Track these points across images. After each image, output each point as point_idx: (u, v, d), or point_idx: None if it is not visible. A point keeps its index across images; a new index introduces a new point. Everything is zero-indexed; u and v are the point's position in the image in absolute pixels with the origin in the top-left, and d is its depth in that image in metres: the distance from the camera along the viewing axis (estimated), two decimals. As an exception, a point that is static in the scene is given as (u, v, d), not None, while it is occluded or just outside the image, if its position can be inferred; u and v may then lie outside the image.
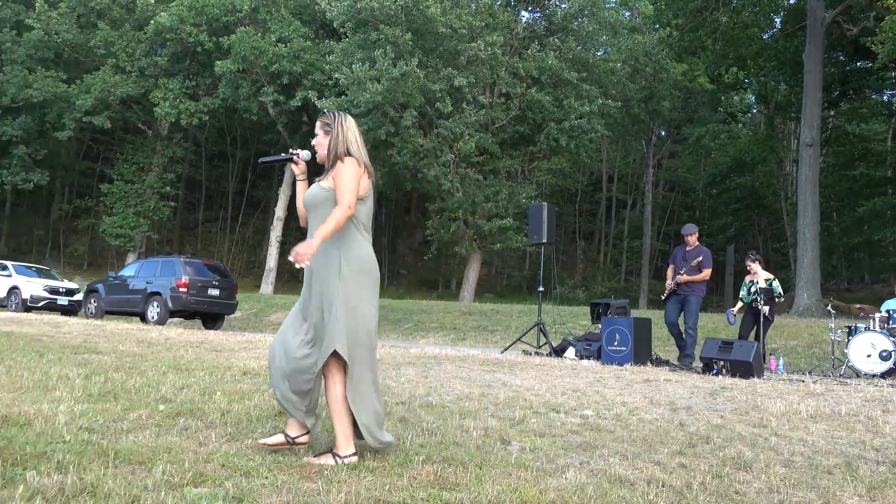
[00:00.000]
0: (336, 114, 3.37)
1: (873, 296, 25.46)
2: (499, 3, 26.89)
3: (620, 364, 8.65)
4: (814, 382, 7.33)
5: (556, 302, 21.00)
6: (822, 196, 23.28)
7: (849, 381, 8.05)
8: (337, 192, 3.20)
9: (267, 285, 29.07)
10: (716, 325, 14.43)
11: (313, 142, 3.39)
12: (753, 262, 9.98)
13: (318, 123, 3.39)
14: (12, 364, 5.71)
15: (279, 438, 3.20)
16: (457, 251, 26.18)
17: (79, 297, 18.25)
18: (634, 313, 10.98)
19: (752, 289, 9.70)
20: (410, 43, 21.78)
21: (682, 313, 9.55)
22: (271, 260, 29.41)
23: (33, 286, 17.99)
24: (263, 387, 5.13)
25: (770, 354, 10.02)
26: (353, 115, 23.34)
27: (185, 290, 15.22)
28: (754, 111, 37.85)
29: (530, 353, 10.17)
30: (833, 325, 9.80)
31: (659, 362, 9.22)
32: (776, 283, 9.81)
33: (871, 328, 9.20)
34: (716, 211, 35.98)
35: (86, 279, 25.79)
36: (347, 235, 3.23)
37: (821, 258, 20.84)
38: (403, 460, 3.16)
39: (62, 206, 39.68)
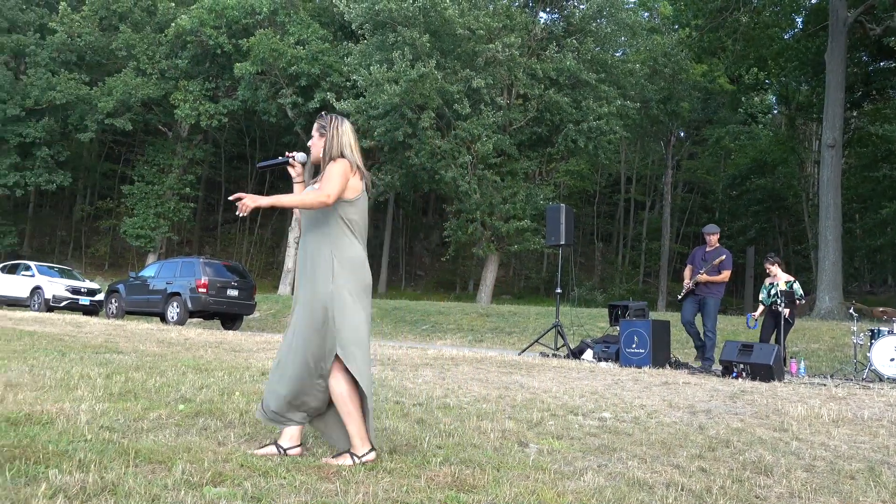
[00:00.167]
0: (333, 117, 3.39)
1: (896, 299, 25.11)
2: (516, 4, 26.87)
3: (639, 366, 8.60)
4: (836, 386, 7.24)
5: (574, 304, 20.90)
6: (845, 198, 22.99)
7: (871, 385, 7.95)
8: (321, 182, 3.23)
9: (285, 286, 29.22)
10: (735, 328, 14.30)
11: (309, 143, 3.43)
12: (773, 264, 9.85)
13: (314, 125, 3.43)
14: (35, 363, 5.78)
15: (271, 450, 3.19)
16: (474, 253, 26.18)
17: (100, 297, 18.45)
18: (653, 315, 10.91)
19: (773, 291, 9.59)
20: (428, 45, 21.81)
21: (700, 315, 9.46)
22: (290, 261, 29.56)
23: (56, 286, 18.21)
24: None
25: (791, 358, 9.91)
26: (372, 117, 23.56)
27: (204, 290, 15.33)
28: (775, 112, 37.49)
29: (548, 355, 10.14)
30: (855, 329, 9.67)
31: (677, 365, 9.15)
32: (797, 286, 9.69)
33: (894, 332, 9.07)
34: (736, 213, 35.66)
35: (107, 279, 26.08)
36: (340, 237, 3.24)
37: (843, 260, 20.59)
38: (421, 461, 3.16)
39: (84, 206, 40.17)
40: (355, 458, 3.10)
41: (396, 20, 22.19)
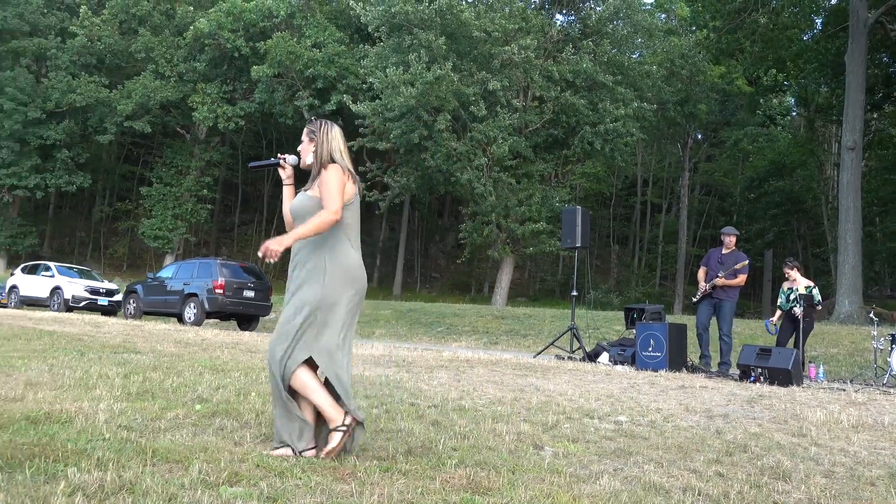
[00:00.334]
0: (322, 122, 3.43)
1: (918, 303, 24.79)
2: (532, 6, 26.85)
3: (655, 370, 8.55)
4: (855, 391, 7.16)
5: (590, 307, 20.84)
6: (865, 200, 22.76)
7: (892, 390, 7.85)
8: (322, 197, 3.24)
9: (301, 287, 29.30)
10: (753, 332, 14.18)
11: (299, 148, 3.45)
12: (792, 268, 9.72)
13: (304, 130, 3.46)
14: (54, 362, 5.85)
15: (287, 451, 3.20)
16: (489, 255, 26.16)
17: (118, 297, 18.62)
18: (669, 319, 10.84)
19: (792, 296, 9.46)
20: (444, 47, 21.84)
21: (716, 319, 9.37)
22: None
23: (75, 286, 18.40)
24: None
25: (809, 362, 9.80)
26: (388, 119, 23.63)
27: (221, 291, 15.43)
28: (794, 114, 37.18)
29: (563, 358, 10.10)
30: (875, 333, 9.55)
31: (694, 369, 9.08)
32: (816, 291, 9.57)
33: (916, 336, 8.96)
34: (753, 215, 35.34)
35: (125, 280, 26.32)
36: (335, 242, 3.26)
37: (863, 264, 20.37)
38: (436, 463, 3.16)
39: (103, 208, 40.61)
40: (339, 429, 3.13)
41: (412, 23, 22.24)
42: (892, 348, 8.99)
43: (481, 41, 22.78)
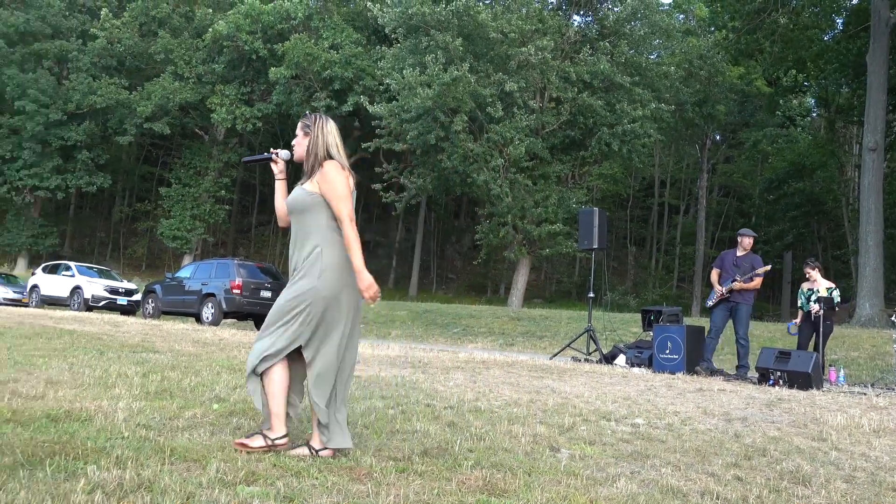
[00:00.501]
0: (317, 116, 3.38)
1: (941, 306, 24.42)
2: (549, 7, 26.78)
3: (672, 372, 8.49)
4: (877, 395, 7.07)
5: (607, 308, 20.71)
6: (886, 202, 22.48)
7: (914, 394, 7.73)
8: (333, 204, 3.21)
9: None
10: (772, 335, 14.04)
11: (293, 142, 3.42)
12: (813, 268, 9.60)
13: (299, 124, 3.42)
14: (74, 361, 5.91)
15: (303, 450, 3.19)
16: (506, 256, 26.11)
17: (137, 297, 18.79)
18: (687, 321, 10.76)
19: (812, 297, 9.35)
20: (461, 48, 21.84)
21: (732, 322, 9.26)
22: (322, 263, 29.80)
23: (95, 286, 18.60)
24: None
25: (830, 366, 9.68)
26: (404, 121, 23.65)
27: (238, 291, 15.52)
28: (814, 115, 36.79)
29: (580, 360, 10.07)
30: (897, 337, 9.43)
31: (712, 371, 9.01)
32: (836, 293, 9.46)
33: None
34: (773, 217, 35.00)
35: (144, 280, 26.57)
36: (330, 235, 3.23)
37: (884, 266, 20.11)
38: (452, 465, 3.15)
39: (123, 208, 41.03)
40: (268, 439, 3.14)
41: (429, 24, 22.26)
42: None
43: (498, 42, 22.75)
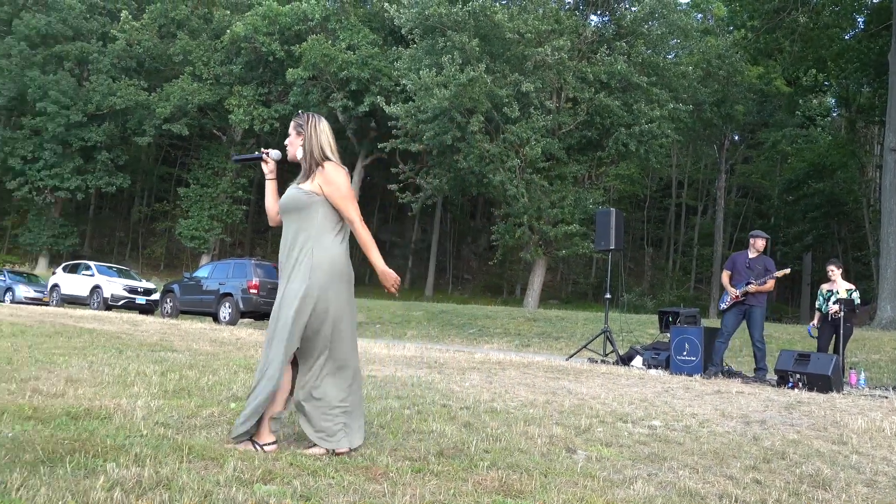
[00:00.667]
0: (309, 115, 3.37)
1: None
2: (566, 7, 26.70)
3: (690, 374, 8.43)
4: (898, 399, 6.96)
5: (623, 310, 20.64)
6: (908, 203, 22.13)
7: (937, 398, 7.62)
8: (340, 206, 3.23)
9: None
10: (791, 337, 13.90)
11: (286, 141, 3.41)
12: (838, 267, 9.46)
13: (291, 124, 3.41)
14: (94, 360, 5.97)
15: (320, 450, 3.20)
16: (522, 257, 26.07)
17: (156, 296, 18.96)
18: (704, 323, 10.68)
19: (832, 298, 9.23)
20: (477, 49, 21.83)
21: (746, 325, 9.15)
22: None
23: (114, 285, 18.78)
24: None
25: (850, 368, 9.56)
26: (421, 121, 23.66)
27: (255, 291, 15.61)
28: (834, 114, 36.39)
29: (596, 361, 10.02)
30: (919, 339, 9.29)
31: (730, 373, 8.93)
32: (856, 294, 9.33)
33: (962, 343, 8.68)
34: (792, 218, 34.66)
35: (162, 279, 26.79)
36: (322, 233, 3.23)
37: (906, 268, 19.83)
38: (468, 465, 3.15)
39: (141, 208, 41.41)
40: (257, 445, 3.15)
41: (446, 25, 22.27)
42: (936, 355, 8.73)
43: (514, 43, 22.72)
